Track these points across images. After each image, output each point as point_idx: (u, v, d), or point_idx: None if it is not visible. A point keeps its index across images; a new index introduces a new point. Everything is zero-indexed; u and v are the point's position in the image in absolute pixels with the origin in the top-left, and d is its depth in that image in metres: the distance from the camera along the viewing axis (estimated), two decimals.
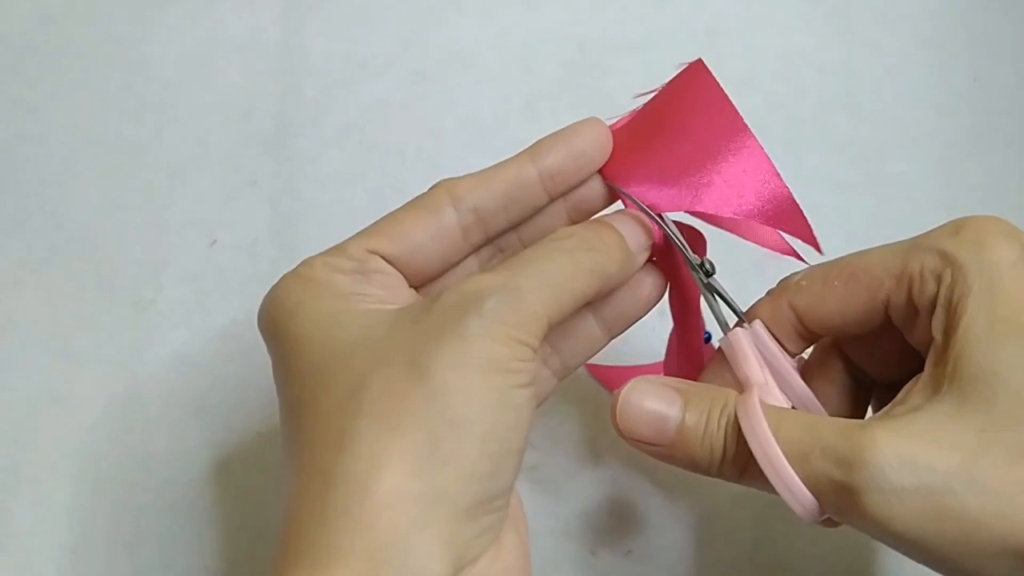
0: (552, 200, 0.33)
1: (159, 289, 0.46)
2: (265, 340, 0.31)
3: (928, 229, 0.32)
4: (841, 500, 0.28)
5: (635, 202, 0.33)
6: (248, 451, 0.43)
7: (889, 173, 0.49)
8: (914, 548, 0.27)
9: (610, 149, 0.34)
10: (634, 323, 0.35)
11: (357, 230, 0.34)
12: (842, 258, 0.33)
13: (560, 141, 0.33)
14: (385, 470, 0.26)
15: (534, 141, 0.34)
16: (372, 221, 0.34)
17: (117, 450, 0.43)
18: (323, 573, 0.25)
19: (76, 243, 0.47)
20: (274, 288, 0.31)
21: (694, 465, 0.31)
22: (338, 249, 0.31)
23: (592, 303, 0.33)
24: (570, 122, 0.50)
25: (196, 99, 0.50)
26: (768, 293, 0.34)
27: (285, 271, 0.34)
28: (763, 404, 0.30)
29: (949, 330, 0.29)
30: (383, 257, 0.31)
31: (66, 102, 0.50)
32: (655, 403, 0.31)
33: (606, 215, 0.34)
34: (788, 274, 0.34)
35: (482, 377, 0.28)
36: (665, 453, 0.31)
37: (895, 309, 0.31)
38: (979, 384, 0.27)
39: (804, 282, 0.33)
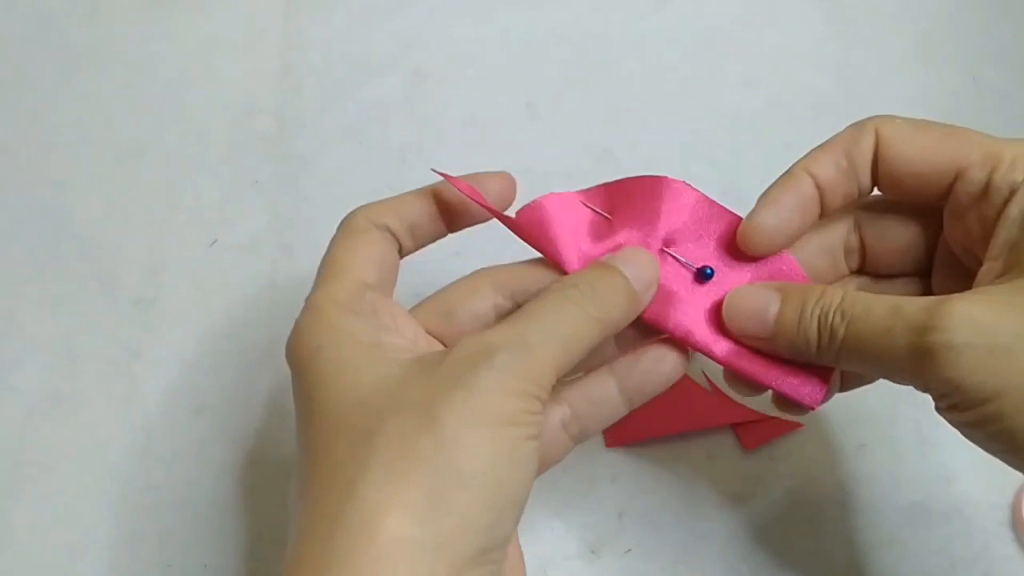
0: None
1: (159, 289, 0.46)
2: (291, 373, 0.32)
3: None
4: (918, 362, 0.29)
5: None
6: (248, 451, 0.44)
7: None
8: (981, 412, 0.29)
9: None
10: (654, 396, 0.36)
11: None
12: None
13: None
14: (390, 517, 0.27)
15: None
16: (365, 205, 0.34)
17: (117, 450, 0.44)
18: None
19: (76, 243, 0.47)
20: (297, 329, 0.32)
21: (795, 353, 0.33)
22: (334, 284, 0.33)
23: (617, 375, 0.34)
24: (569, 122, 0.50)
25: (197, 99, 0.50)
26: (851, 124, 0.34)
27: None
28: (857, 292, 0.32)
29: None
30: (372, 288, 0.33)
31: (66, 102, 0.50)
32: (755, 300, 0.34)
33: (611, 256, 0.34)
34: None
35: (491, 429, 0.28)
36: (768, 345, 0.34)
37: (969, 184, 0.32)
38: None
39: (899, 120, 0.34)
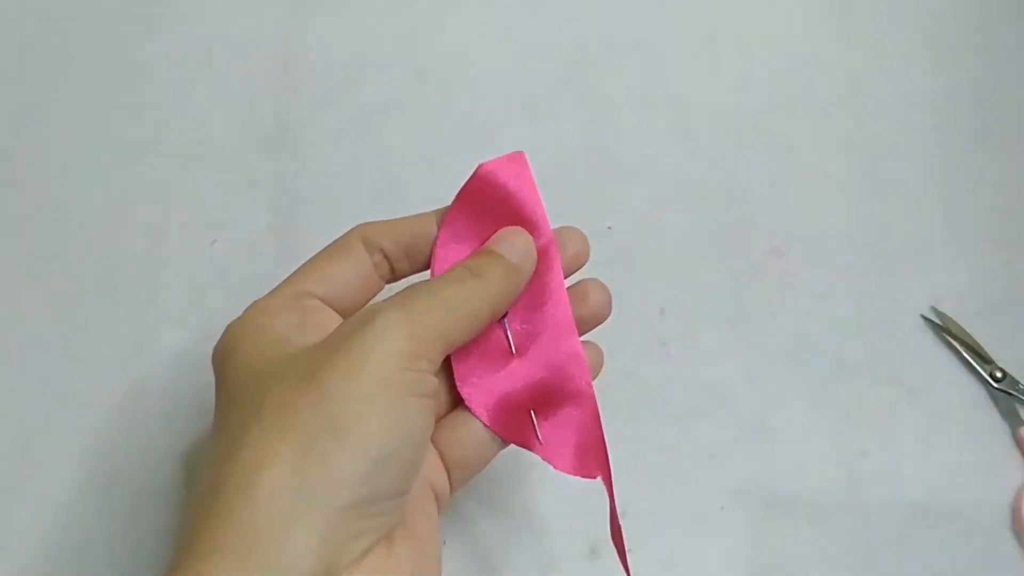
0: None
1: (159, 289, 0.46)
2: (214, 373, 0.33)
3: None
4: None
5: None
6: None
7: (889, 173, 0.49)
8: None
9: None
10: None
11: None
12: None
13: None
14: (265, 470, 0.28)
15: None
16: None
17: (117, 450, 0.43)
18: (198, 564, 0.27)
19: (76, 243, 0.47)
20: (223, 332, 0.33)
21: None
22: (275, 292, 0.34)
23: None
24: (569, 122, 0.50)
25: (196, 99, 0.50)
26: None
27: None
28: None
29: None
30: (316, 297, 0.34)
31: (66, 102, 0.50)
32: None
33: (487, 243, 0.35)
34: None
35: (371, 383, 0.29)
36: None
37: None
38: None
39: None
